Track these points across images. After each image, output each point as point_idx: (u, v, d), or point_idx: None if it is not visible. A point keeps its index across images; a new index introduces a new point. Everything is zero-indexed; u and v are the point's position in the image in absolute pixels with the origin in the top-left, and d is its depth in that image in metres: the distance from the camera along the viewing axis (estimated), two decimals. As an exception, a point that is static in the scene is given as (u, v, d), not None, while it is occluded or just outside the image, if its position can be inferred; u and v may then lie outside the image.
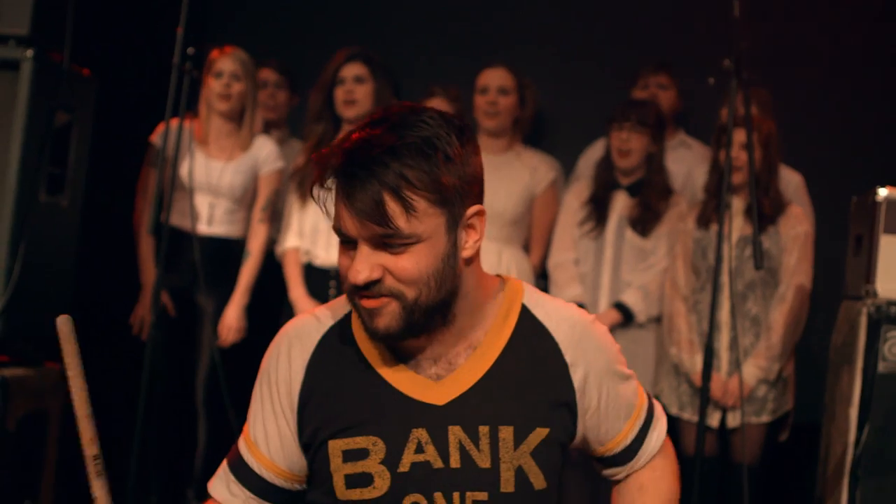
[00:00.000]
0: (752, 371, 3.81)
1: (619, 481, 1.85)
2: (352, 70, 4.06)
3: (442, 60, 4.94)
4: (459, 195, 1.56)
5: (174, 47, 3.57)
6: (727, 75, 3.49)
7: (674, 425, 4.02)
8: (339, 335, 1.71)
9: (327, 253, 4.03)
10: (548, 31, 5.05)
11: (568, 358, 1.70)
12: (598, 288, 4.11)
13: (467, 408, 1.65)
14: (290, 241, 4.09)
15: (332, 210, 1.59)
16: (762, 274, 3.83)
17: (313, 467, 1.70)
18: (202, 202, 4.04)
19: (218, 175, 4.06)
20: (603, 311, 4.04)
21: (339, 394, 1.67)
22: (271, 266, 4.18)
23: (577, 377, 1.70)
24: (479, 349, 1.67)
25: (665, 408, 4.00)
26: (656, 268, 4.08)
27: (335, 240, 3.90)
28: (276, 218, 4.23)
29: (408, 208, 1.52)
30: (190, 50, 3.63)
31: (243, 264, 4.08)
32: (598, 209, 4.14)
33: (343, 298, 1.75)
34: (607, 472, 1.84)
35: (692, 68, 4.67)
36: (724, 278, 3.77)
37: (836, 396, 3.32)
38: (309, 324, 1.73)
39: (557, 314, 1.72)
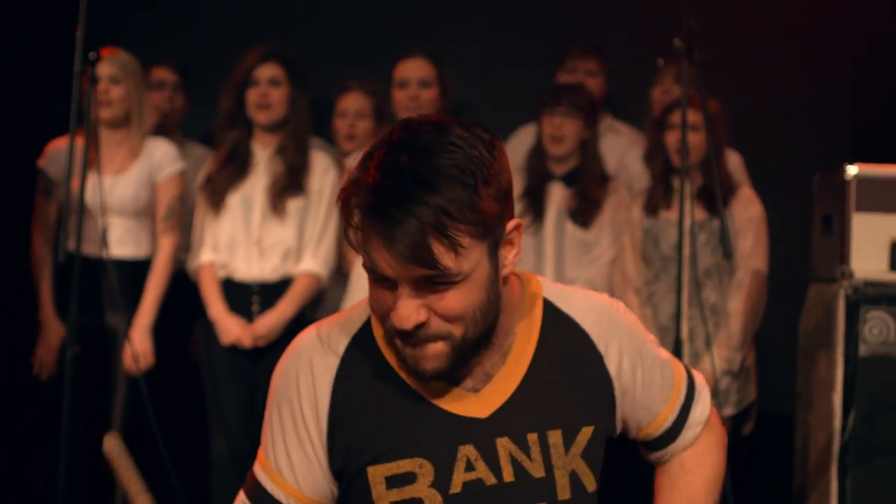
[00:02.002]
0: (715, 362, 3.93)
1: (663, 462, 1.87)
2: (266, 71, 4.03)
3: (354, 51, 4.93)
4: (499, 216, 1.56)
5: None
6: (676, 55, 3.60)
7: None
8: (363, 346, 1.68)
9: (248, 265, 4.01)
10: (465, 12, 5.09)
11: (601, 347, 1.73)
12: (542, 287, 4.17)
13: (512, 417, 1.67)
14: (205, 256, 4.04)
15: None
16: (718, 260, 3.96)
17: (350, 496, 1.68)
18: (96, 224, 3.94)
19: (108, 190, 3.96)
20: (550, 310, 4.11)
21: (373, 413, 1.65)
22: (182, 286, 4.12)
23: (612, 365, 1.73)
24: (512, 355, 1.69)
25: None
26: (601, 260, 4.17)
27: (255, 251, 3.97)
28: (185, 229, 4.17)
29: (455, 246, 1.50)
30: (92, 55, 3.55)
31: (147, 281, 4.01)
32: (534, 203, 4.21)
33: (355, 306, 1.74)
34: (651, 455, 1.87)
35: (618, 48, 4.80)
36: (685, 266, 3.87)
37: (813, 383, 3.47)
38: (328, 336, 1.69)
39: (581, 303, 1.74)
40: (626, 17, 4.95)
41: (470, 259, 1.52)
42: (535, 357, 1.69)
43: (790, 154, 4.80)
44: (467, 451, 1.65)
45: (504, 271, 1.60)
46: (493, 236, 1.55)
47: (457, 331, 1.57)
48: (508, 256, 1.60)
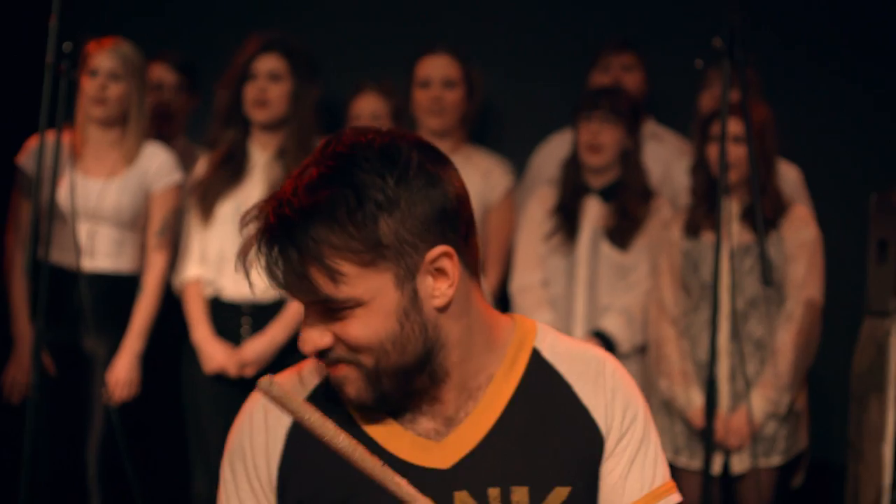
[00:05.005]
0: (759, 404, 3.83)
1: None
2: (266, 64, 4.00)
3: (371, 44, 4.89)
4: (408, 243, 1.59)
5: (46, 43, 3.46)
6: (717, 56, 3.50)
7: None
8: (324, 395, 1.72)
9: (237, 284, 3.95)
10: (490, 6, 5.03)
11: (586, 401, 1.72)
12: (571, 313, 4.11)
13: (474, 469, 1.67)
14: (191, 270, 4.01)
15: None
16: (765, 289, 3.84)
17: None
18: (80, 231, 3.92)
19: (97, 196, 3.95)
20: (578, 340, 4.03)
21: (327, 463, 1.67)
22: (168, 302, 4.09)
23: (600, 419, 1.72)
24: (483, 401, 1.69)
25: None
26: (639, 287, 4.08)
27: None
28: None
29: (333, 275, 1.57)
30: (66, 45, 3.52)
31: (136, 302, 3.98)
32: (567, 219, 4.14)
33: None
34: None
35: (661, 45, 4.72)
36: (723, 296, 3.77)
37: (864, 431, 3.36)
38: (287, 387, 1.73)
39: (569, 354, 1.75)
40: (672, 11, 4.85)
41: (359, 286, 1.58)
42: (509, 406, 1.70)
43: (849, 168, 4.65)
44: None
45: (435, 302, 1.63)
46: (400, 264, 1.59)
47: (366, 360, 1.62)
48: (439, 287, 1.62)
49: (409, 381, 1.64)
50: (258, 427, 1.72)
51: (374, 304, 1.59)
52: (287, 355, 3.90)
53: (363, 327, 1.59)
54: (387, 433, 1.68)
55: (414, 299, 1.61)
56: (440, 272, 1.62)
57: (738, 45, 3.45)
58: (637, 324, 4.06)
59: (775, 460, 3.91)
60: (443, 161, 1.64)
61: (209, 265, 4.00)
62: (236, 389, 3.91)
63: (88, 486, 3.98)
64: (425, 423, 1.69)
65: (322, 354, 1.63)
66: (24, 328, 3.99)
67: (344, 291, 1.57)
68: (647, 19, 4.91)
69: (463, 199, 1.64)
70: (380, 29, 4.96)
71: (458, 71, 4.24)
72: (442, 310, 1.63)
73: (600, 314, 4.08)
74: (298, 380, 1.75)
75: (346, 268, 1.57)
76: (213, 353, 3.91)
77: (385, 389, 1.63)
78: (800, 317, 3.88)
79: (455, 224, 1.63)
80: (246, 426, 1.73)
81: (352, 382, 1.63)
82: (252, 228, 1.60)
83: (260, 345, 3.91)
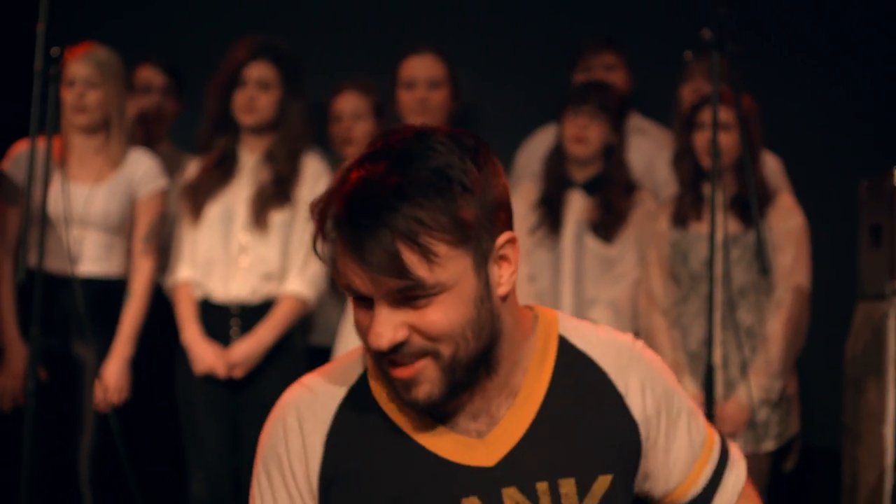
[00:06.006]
0: (752, 391, 3.86)
1: None
2: (257, 71, 3.99)
3: (350, 47, 4.90)
4: (485, 227, 1.60)
5: (25, 49, 3.45)
6: (706, 47, 3.54)
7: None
8: (358, 400, 1.71)
9: (225, 286, 3.96)
10: (471, 5, 5.04)
11: (620, 387, 1.74)
12: (558, 307, 4.11)
13: (520, 464, 1.68)
14: (183, 272, 4.00)
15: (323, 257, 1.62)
16: (754, 277, 3.89)
17: None
18: (62, 237, 3.90)
19: (84, 202, 3.93)
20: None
21: (369, 470, 1.68)
22: (162, 306, 4.07)
23: (635, 406, 1.74)
24: (521, 395, 1.70)
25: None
26: (625, 279, 4.10)
27: (233, 270, 3.92)
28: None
29: (427, 255, 1.55)
30: (54, 51, 3.51)
31: (125, 307, 3.97)
32: (550, 212, 4.15)
33: (349, 355, 1.78)
34: None
35: (642, 39, 4.75)
36: (716, 285, 3.81)
37: (862, 414, 3.40)
38: (319, 391, 1.73)
39: (599, 340, 1.77)
40: (654, 5, 4.89)
41: (448, 269, 1.57)
42: (546, 398, 1.71)
43: (834, 157, 4.71)
44: (470, 503, 1.66)
45: (500, 290, 1.64)
46: (478, 249, 1.60)
47: (444, 349, 1.59)
48: (504, 274, 1.64)
49: (476, 372, 1.63)
50: (293, 433, 1.70)
51: (456, 290, 1.57)
52: (280, 355, 3.93)
53: (445, 313, 1.57)
54: (428, 434, 1.68)
55: (487, 286, 1.61)
56: (504, 259, 1.63)
57: (728, 37, 3.48)
58: (624, 316, 4.08)
59: (769, 445, 3.95)
60: (488, 147, 1.65)
61: (198, 267, 3.99)
62: (229, 390, 3.91)
63: (81, 490, 3.96)
64: (465, 422, 1.69)
65: (395, 350, 1.59)
66: (12, 336, 3.96)
67: (435, 274, 1.55)
68: (625, 14, 4.93)
69: (508, 192, 1.66)
70: (358, 31, 4.97)
71: (443, 71, 4.25)
72: (504, 298, 1.64)
73: (587, 307, 4.10)
74: (326, 384, 1.73)
75: (438, 247, 1.55)
76: (203, 355, 3.91)
77: (458, 381, 1.61)
78: (789, 304, 3.92)
79: (510, 213, 1.65)
80: (278, 434, 1.72)
81: (427, 381, 1.61)
82: (329, 214, 1.58)
83: (248, 346, 3.91)
